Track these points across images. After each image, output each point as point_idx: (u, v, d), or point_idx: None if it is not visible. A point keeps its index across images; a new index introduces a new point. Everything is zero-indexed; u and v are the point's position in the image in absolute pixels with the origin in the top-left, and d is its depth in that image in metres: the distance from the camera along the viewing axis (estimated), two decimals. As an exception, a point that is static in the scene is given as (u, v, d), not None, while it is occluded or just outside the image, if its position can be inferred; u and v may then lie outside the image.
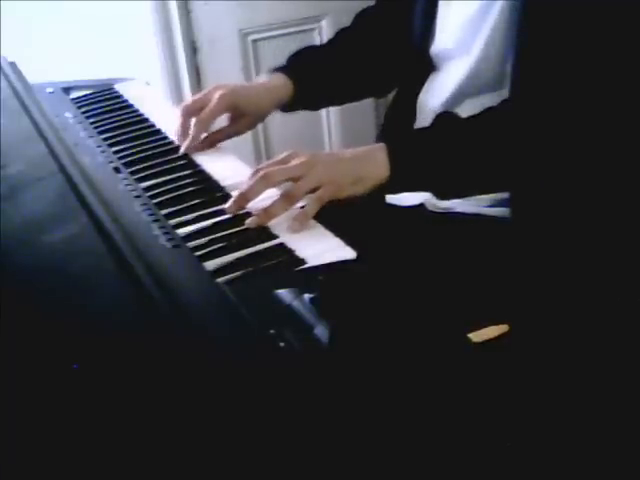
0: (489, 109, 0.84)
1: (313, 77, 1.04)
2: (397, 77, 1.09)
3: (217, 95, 0.95)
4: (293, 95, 1.01)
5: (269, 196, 0.77)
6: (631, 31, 0.78)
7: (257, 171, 0.78)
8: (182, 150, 0.93)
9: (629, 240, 0.87)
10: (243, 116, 0.99)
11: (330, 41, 1.12)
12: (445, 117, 0.92)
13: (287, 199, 0.75)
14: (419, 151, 0.82)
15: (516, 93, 0.85)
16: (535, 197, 0.87)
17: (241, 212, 0.76)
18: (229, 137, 1.00)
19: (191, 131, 0.93)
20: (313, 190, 0.76)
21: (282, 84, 1.01)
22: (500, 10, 0.86)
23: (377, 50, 1.08)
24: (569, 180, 0.85)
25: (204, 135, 0.96)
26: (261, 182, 0.76)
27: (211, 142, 0.96)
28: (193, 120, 0.95)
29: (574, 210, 0.86)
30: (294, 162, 0.77)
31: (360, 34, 1.10)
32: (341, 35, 1.11)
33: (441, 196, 0.88)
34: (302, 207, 0.76)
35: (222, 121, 1.00)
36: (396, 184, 0.81)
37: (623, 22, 0.78)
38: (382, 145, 0.81)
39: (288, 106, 1.03)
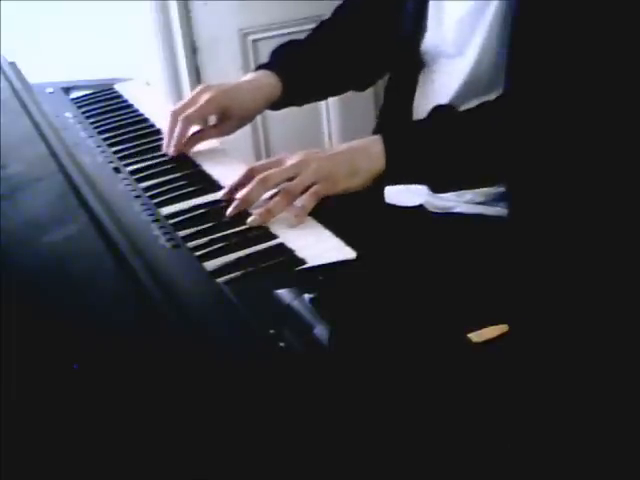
0: (485, 103, 0.84)
1: (300, 74, 1.03)
2: (380, 69, 1.10)
3: (206, 97, 0.94)
4: (282, 94, 1.01)
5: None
6: (626, 30, 0.78)
7: (251, 171, 0.79)
8: (169, 151, 0.92)
9: (628, 238, 0.87)
10: (230, 117, 0.98)
11: (312, 34, 1.11)
12: (441, 110, 0.92)
13: (286, 196, 0.76)
14: (415, 143, 0.82)
15: (511, 88, 0.85)
16: (533, 195, 0.87)
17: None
18: (213, 138, 0.98)
19: (176, 129, 0.93)
20: (310, 186, 0.77)
21: (271, 84, 1.00)
22: (495, 11, 0.85)
23: (359, 42, 1.08)
24: (566, 178, 0.85)
25: (190, 133, 0.95)
26: (260, 185, 0.77)
27: (195, 142, 0.95)
28: (179, 118, 0.93)
29: (572, 209, 0.86)
30: (289, 162, 0.79)
31: (343, 27, 1.10)
32: (323, 28, 1.11)
33: (436, 189, 0.88)
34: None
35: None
36: (392, 176, 0.82)
37: (618, 20, 0.78)
38: (378, 137, 0.81)
39: (276, 105, 1.03)
